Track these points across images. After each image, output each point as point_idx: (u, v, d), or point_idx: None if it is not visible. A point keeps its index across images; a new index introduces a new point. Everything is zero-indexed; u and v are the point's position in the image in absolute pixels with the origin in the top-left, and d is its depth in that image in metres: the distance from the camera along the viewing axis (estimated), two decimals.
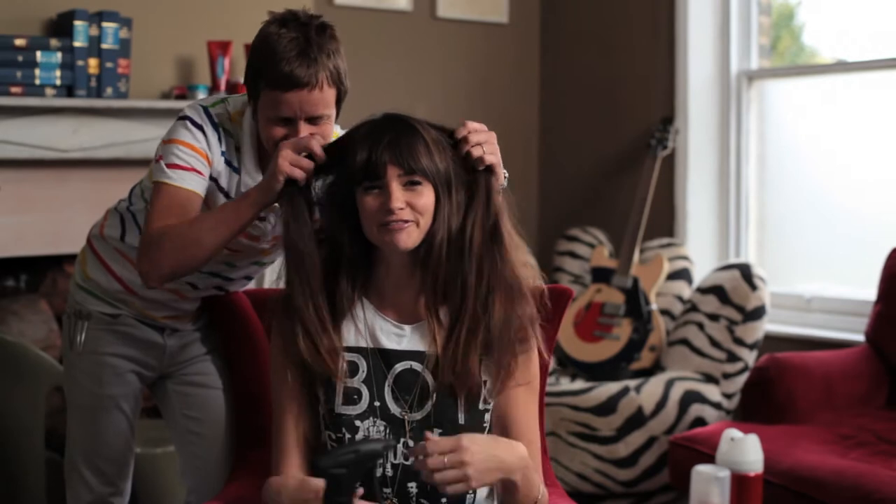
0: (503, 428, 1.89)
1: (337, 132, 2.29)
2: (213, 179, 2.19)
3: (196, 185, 2.14)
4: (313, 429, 1.90)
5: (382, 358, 1.87)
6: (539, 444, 1.94)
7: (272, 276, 3.75)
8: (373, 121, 1.87)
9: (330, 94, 2.08)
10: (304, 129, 2.07)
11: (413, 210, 1.81)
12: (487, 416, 1.88)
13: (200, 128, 2.16)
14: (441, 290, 1.86)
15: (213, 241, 2.03)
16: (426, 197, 1.82)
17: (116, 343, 2.42)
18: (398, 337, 1.88)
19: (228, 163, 2.20)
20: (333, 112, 2.12)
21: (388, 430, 1.85)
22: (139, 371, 2.46)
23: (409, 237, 1.82)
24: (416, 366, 1.87)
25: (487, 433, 1.88)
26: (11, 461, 3.20)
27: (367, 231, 1.83)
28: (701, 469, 1.51)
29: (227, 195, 2.21)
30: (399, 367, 1.87)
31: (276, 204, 2.19)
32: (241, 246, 2.30)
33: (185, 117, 2.18)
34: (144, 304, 2.40)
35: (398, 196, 1.80)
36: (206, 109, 2.19)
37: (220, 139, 2.18)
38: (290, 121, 2.07)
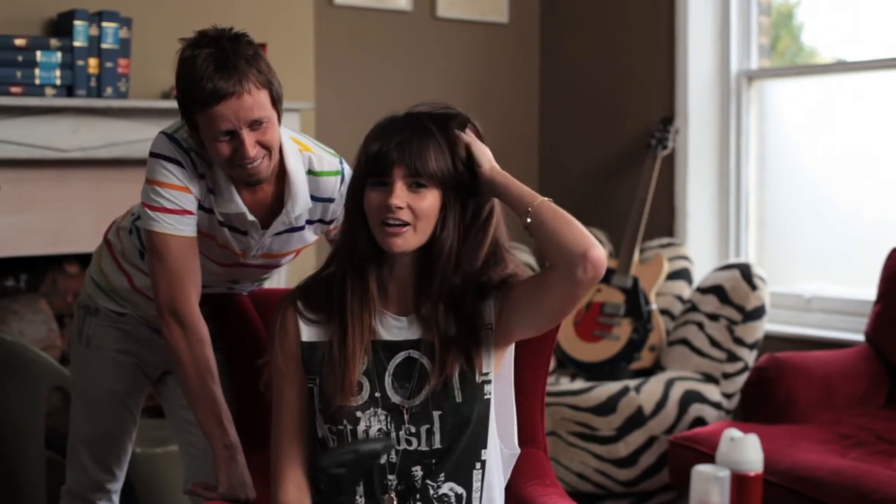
0: (522, 295, 1.89)
1: (302, 141, 2.30)
2: (203, 209, 2.22)
3: (187, 227, 2.18)
4: (313, 424, 1.91)
5: (383, 349, 1.89)
6: None
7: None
8: (391, 117, 1.89)
9: (261, 96, 2.09)
10: (249, 138, 2.09)
11: (413, 212, 1.81)
12: (488, 388, 1.89)
13: (173, 161, 2.17)
14: (444, 292, 1.87)
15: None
16: (429, 200, 1.83)
17: (121, 339, 2.48)
18: (398, 329, 1.90)
19: (204, 181, 2.21)
20: (273, 115, 2.13)
21: (388, 419, 1.86)
22: (143, 367, 2.51)
23: (405, 241, 1.83)
24: (414, 353, 1.89)
25: (489, 410, 1.91)
26: (11, 461, 3.21)
27: (371, 227, 1.85)
28: (701, 469, 1.51)
29: (210, 212, 2.23)
30: (399, 356, 1.89)
31: (253, 219, 2.21)
32: (231, 259, 2.31)
33: (157, 155, 2.18)
34: (150, 305, 2.42)
35: (400, 195, 1.81)
36: (171, 137, 2.19)
37: (194, 164, 2.19)
38: (232, 133, 2.09)
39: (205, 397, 2.19)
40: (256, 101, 2.08)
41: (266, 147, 2.13)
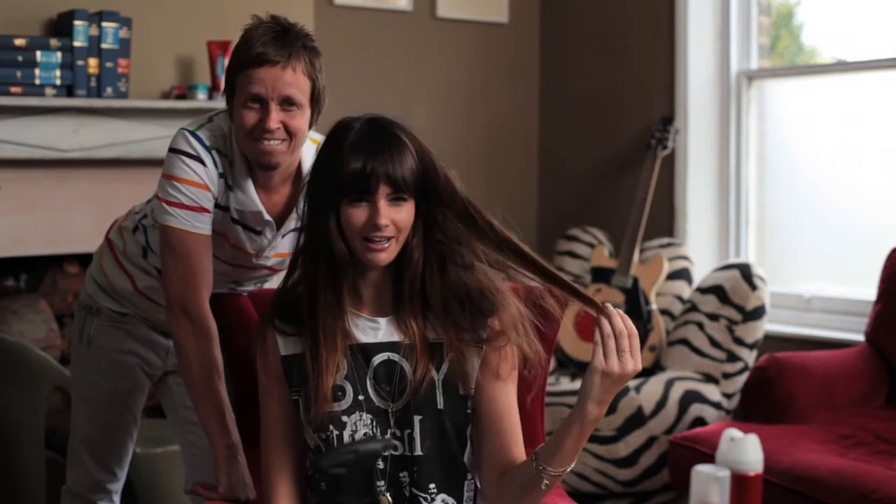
0: (491, 418, 1.90)
1: (315, 138, 2.29)
2: (218, 206, 2.21)
3: (203, 225, 2.18)
4: (303, 434, 1.91)
5: (361, 352, 1.88)
6: (520, 434, 1.96)
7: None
8: (362, 129, 1.83)
9: (304, 82, 2.10)
10: (275, 112, 2.09)
11: (396, 227, 1.81)
12: (471, 403, 1.89)
13: (196, 158, 2.16)
14: (416, 293, 1.87)
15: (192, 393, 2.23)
16: (408, 212, 1.83)
17: (123, 340, 2.48)
18: (373, 330, 1.89)
19: (224, 179, 2.21)
20: (306, 105, 2.13)
21: (374, 423, 1.87)
22: (144, 367, 2.50)
23: (389, 255, 1.83)
24: (393, 356, 1.88)
25: (472, 423, 1.91)
26: (11, 461, 3.21)
27: (349, 240, 1.83)
28: (701, 469, 1.51)
29: (225, 209, 2.23)
30: (377, 359, 1.89)
31: (269, 218, 2.20)
32: (241, 260, 2.31)
33: (179, 151, 2.17)
34: (151, 306, 2.42)
35: (385, 213, 1.80)
36: (194, 135, 2.18)
37: (215, 163, 2.19)
38: (262, 102, 2.09)
39: (209, 395, 2.18)
40: (297, 80, 2.09)
41: (290, 132, 2.12)
